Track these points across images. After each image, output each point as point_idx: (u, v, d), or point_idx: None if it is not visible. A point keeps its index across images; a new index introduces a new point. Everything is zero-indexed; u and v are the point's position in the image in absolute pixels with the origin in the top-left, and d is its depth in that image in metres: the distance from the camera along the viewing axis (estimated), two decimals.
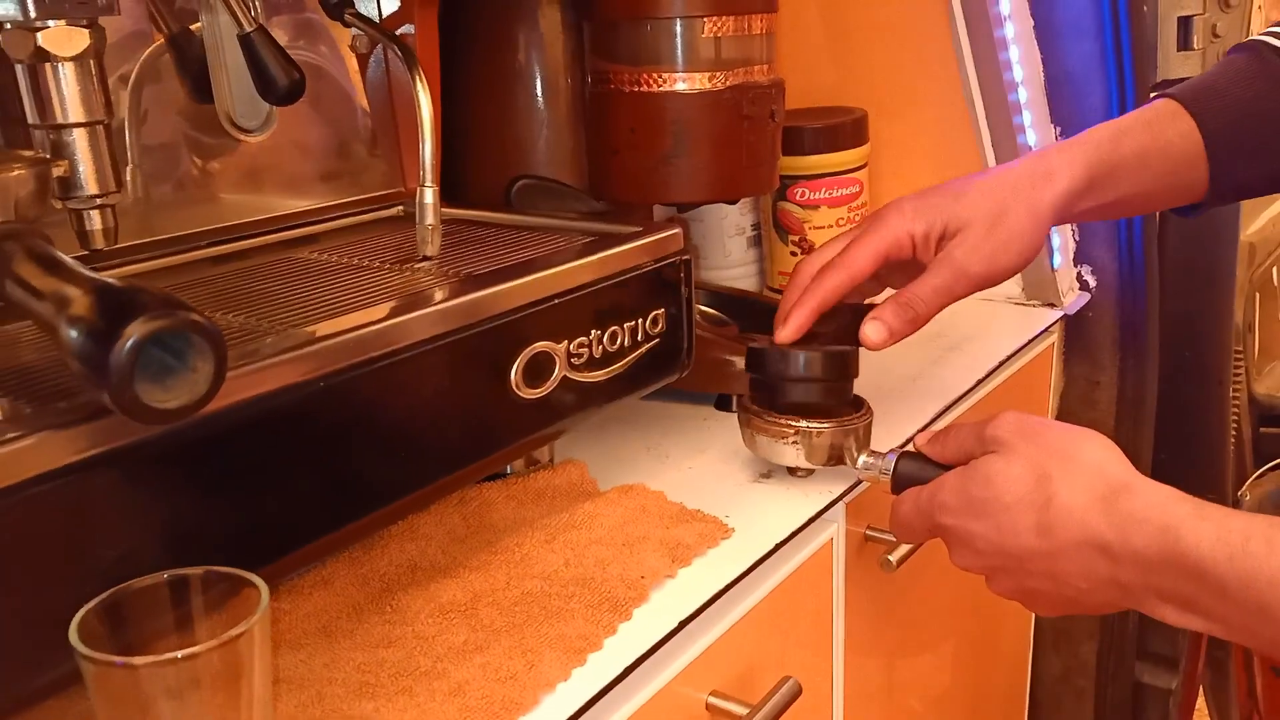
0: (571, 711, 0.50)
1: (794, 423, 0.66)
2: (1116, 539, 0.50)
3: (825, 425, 0.66)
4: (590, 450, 0.75)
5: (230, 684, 0.39)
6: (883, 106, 1.06)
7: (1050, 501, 0.52)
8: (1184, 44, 1.03)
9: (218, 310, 0.55)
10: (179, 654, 0.38)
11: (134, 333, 0.37)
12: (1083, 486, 0.52)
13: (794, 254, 1.05)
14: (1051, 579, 0.54)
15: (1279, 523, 0.48)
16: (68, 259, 0.44)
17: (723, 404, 0.85)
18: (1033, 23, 0.98)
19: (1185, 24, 1.03)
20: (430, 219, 0.63)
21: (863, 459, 0.66)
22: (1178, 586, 0.49)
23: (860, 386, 0.70)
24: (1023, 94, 1.00)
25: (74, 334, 0.38)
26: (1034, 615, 1.15)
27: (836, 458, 0.66)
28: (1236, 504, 0.87)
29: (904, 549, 0.74)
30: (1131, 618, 1.15)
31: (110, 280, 0.40)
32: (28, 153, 0.52)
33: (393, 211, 0.78)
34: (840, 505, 0.72)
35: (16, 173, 0.49)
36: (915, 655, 0.91)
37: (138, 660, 0.37)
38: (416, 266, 0.63)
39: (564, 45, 0.82)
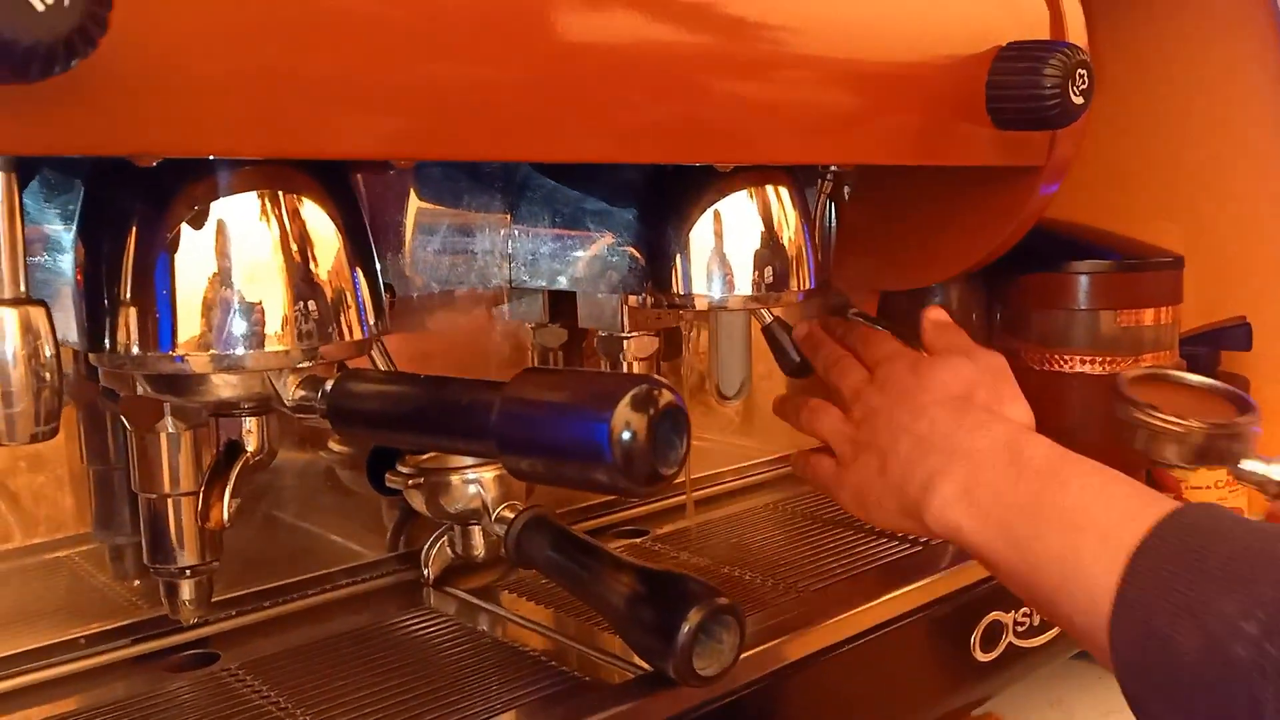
0: None
1: (1181, 420, 0.66)
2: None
3: (1206, 425, 0.66)
4: (1001, 702, 0.80)
5: None
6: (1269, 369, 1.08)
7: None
8: None
9: (735, 567, 0.67)
10: None
11: (694, 620, 0.48)
12: None
13: None
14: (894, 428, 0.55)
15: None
16: (583, 536, 0.57)
17: None
18: None
19: None
20: None
21: (1247, 464, 0.65)
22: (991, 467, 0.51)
23: None
24: None
25: (642, 615, 0.50)
26: None
27: (1219, 458, 0.66)
28: None
29: None
30: None
31: (651, 566, 0.52)
32: None
33: None
34: None
35: None
36: None
37: None
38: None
39: (972, 318, 0.93)
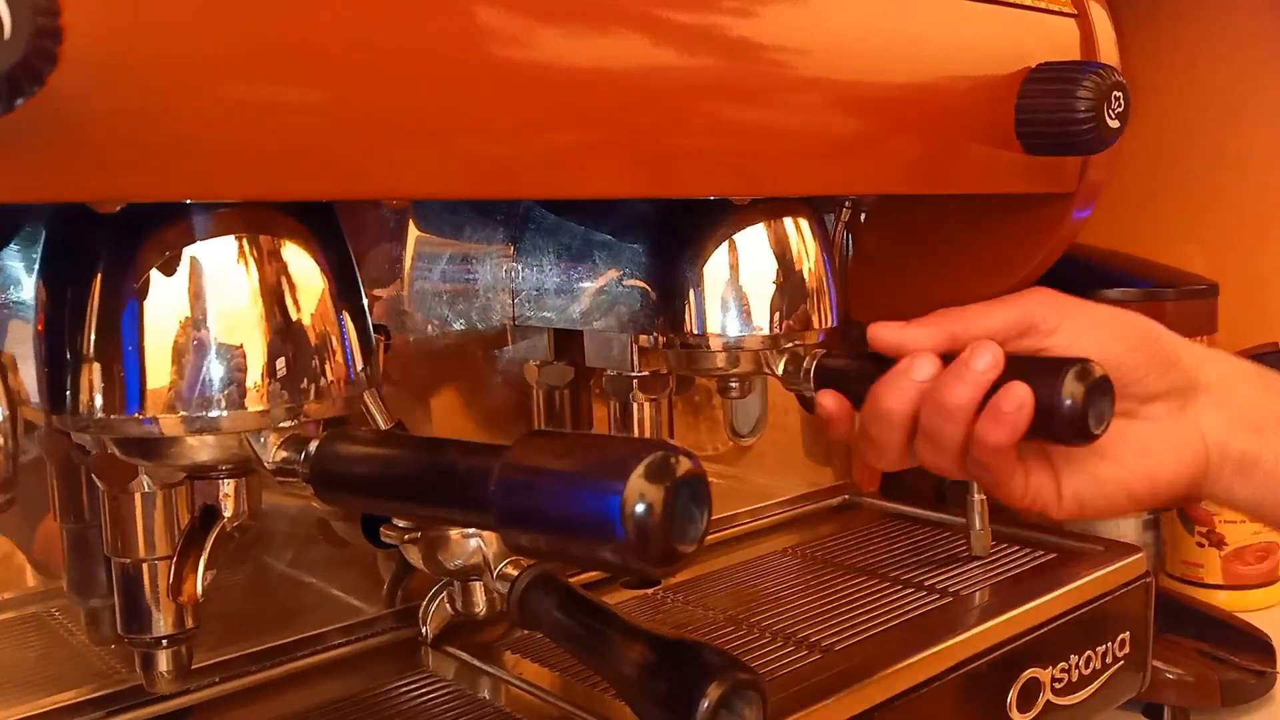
0: None
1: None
2: None
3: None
4: None
5: None
6: None
7: None
8: None
9: (754, 621, 0.63)
10: None
11: (713, 695, 0.44)
12: None
13: (1200, 545, 1.03)
14: None
15: None
16: (592, 597, 0.52)
17: (1150, 712, 0.84)
18: None
19: None
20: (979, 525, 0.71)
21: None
22: None
23: None
24: None
25: (657, 687, 0.46)
26: None
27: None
28: None
29: None
30: None
31: (667, 634, 0.48)
32: None
33: (835, 501, 0.86)
34: None
35: None
36: None
37: None
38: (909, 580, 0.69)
39: None
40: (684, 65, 0.45)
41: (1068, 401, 0.43)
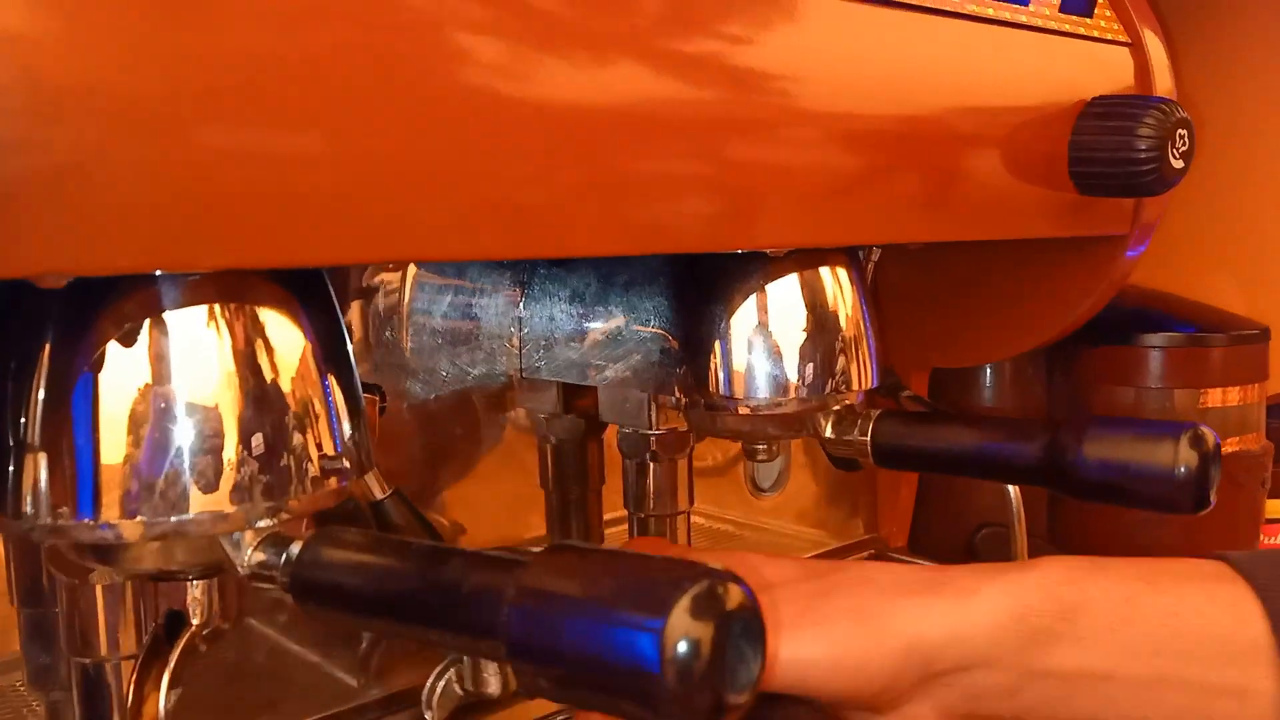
0: None
1: None
2: None
3: None
4: None
5: None
6: None
7: None
8: None
9: None
10: None
11: None
12: None
13: None
14: None
15: None
16: None
17: None
18: None
19: None
20: None
21: None
22: None
23: None
24: None
25: None
26: None
27: None
28: None
29: None
30: None
31: None
32: None
33: (863, 555, 0.81)
34: None
35: None
36: None
37: None
38: None
39: (1029, 395, 0.84)
40: (700, 100, 0.40)
41: (1182, 469, 0.42)
